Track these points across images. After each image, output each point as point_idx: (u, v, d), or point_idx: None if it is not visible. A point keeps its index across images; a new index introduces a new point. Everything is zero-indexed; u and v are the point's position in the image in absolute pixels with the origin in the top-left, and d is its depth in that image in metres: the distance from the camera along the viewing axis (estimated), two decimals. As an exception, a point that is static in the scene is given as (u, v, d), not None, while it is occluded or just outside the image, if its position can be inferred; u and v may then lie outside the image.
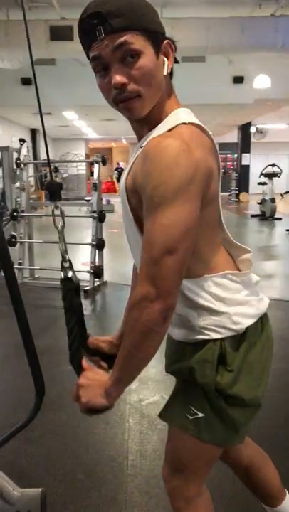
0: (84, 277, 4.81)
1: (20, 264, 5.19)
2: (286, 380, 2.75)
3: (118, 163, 22.64)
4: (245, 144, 16.89)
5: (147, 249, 0.85)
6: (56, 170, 12.58)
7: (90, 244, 4.89)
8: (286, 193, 11.38)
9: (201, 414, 1.02)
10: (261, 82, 9.68)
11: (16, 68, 7.72)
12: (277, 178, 11.73)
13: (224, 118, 14.24)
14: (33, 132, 16.24)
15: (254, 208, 12.67)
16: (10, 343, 3.29)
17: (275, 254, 7.17)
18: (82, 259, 5.31)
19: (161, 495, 1.75)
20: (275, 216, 11.11)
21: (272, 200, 11.11)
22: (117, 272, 5.46)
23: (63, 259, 1.08)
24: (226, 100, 11.01)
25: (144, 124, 0.99)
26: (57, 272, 1.36)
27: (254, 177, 14.19)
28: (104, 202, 5.94)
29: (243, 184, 16.97)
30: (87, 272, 4.82)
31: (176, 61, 0.98)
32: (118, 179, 16.23)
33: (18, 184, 6.62)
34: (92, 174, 5.44)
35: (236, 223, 11.18)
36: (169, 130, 0.91)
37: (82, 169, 18.37)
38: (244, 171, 16.95)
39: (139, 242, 0.94)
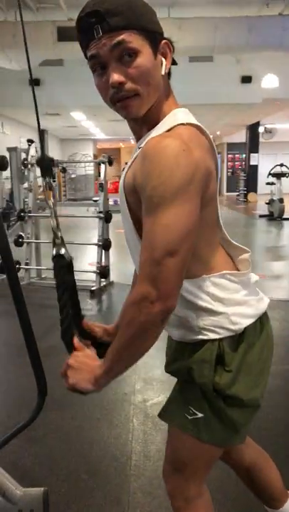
0: (90, 277, 4.83)
1: (27, 264, 5.21)
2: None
3: (126, 164, 22.60)
4: (253, 144, 16.84)
5: (148, 249, 0.84)
6: (64, 170, 12.60)
7: (96, 244, 4.90)
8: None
9: (200, 415, 1.01)
10: (269, 81, 9.66)
11: (24, 69, 7.77)
12: (285, 178, 11.65)
13: (232, 118, 14.21)
14: (42, 133, 16.33)
15: (262, 208, 12.61)
16: (14, 343, 3.30)
17: (284, 255, 7.13)
18: (89, 259, 5.32)
19: (164, 496, 1.74)
20: (284, 216, 11.05)
21: (281, 201, 11.05)
22: (123, 272, 5.46)
23: (55, 236, 1.07)
24: (234, 100, 10.99)
25: (142, 125, 0.99)
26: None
27: (262, 177, 14.12)
28: (111, 202, 5.93)
29: (251, 184, 16.91)
30: (94, 272, 4.83)
31: (174, 62, 0.98)
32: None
33: (26, 185, 6.65)
34: (99, 174, 5.44)
35: (244, 223, 11.14)
36: (168, 130, 0.90)
37: (90, 170, 18.41)
38: (252, 171, 16.89)
39: (138, 246, 0.94)
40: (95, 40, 0.88)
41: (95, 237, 4.98)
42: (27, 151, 7.73)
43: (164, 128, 0.92)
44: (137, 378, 2.79)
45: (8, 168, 10.10)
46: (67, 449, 2.12)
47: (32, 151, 7.62)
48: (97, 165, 14.93)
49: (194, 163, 0.84)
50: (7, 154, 8.99)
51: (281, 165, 11.66)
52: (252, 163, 16.87)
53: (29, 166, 5.39)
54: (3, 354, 3.31)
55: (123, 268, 5.75)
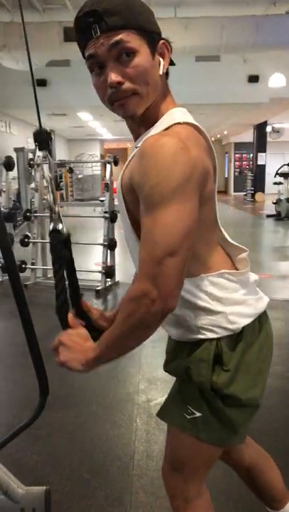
0: (96, 277, 4.84)
1: (33, 264, 5.23)
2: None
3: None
4: (260, 144, 16.77)
5: (147, 249, 0.84)
6: (71, 171, 12.63)
7: (101, 244, 4.91)
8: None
9: (198, 414, 1.01)
10: (276, 80, 9.60)
11: (31, 70, 7.80)
12: (292, 177, 11.59)
13: (239, 117, 14.16)
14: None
15: (270, 208, 12.55)
16: (20, 343, 3.28)
17: (291, 255, 7.10)
18: (95, 259, 5.32)
19: (166, 496, 1.73)
20: (291, 216, 10.98)
21: (288, 200, 10.99)
22: (128, 272, 5.44)
23: (52, 211, 1.07)
24: (241, 99, 10.95)
25: (140, 124, 0.99)
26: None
27: (270, 177, 14.06)
28: (117, 202, 5.91)
29: (258, 184, 16.84)
30: (99, 272, 4.84)
31: (172, 63, 0.98)
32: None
33: (33, 185, 6.67)
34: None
35: (251, 223, 11.09)
36: (165, 129, 0.90)
37: (97, 170, 18.43)
38: (260, 171, 16.82)
39: (137, 246, 0.93)
40: (92, 39, 0.89)
41: (101, 237, 4.99)
42: (34, 152, 7.76)
43: (161, 127, 0.92)
44: (141, 378, 2.79)
45: (16, 169, 10.18)
46: (71, 448, 2.13)
47: (39, 152, 7.64)
48: (104, 165, 14.97)
49: (192, 161, 0.84)
50: (14, 155, 9.03)
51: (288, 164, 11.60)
52: (259, 162, 16.79)
53: (35, 166, 5.41)
54: (10, 354, 3.32)
55: (129, 268, 5.74)
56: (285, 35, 6.97)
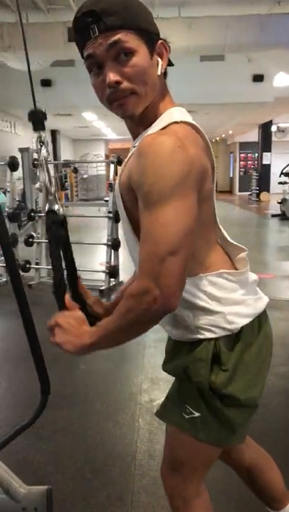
0: (100, 277, 4.84)
1: (37, 263, 5.24)
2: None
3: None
4: (266, 143, 16.71)
5: (147, 248, 0.83)
6: (76, 171, 12.64)
7: (105, 244, 4.91)
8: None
9: (197, 414, 1.01)
10: (281, 80, 9.58)
11: (35, 70, 7.83)
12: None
13: (244, 117, 14.12)
14: (53, 133, 16.41)
15: (275, 208, 12.51)
16: (24, 343, 3.31)
17: (296, 255, 7.06)
18: (99, 259, 5.32)
19: (167, 496, 1.75)
20: (296, 216, 10.94)
21: (293, 200, 10.96)
22: (132, 272, 5.46)
23: (48, 192, 1.07)
24: (245, 99, 10.90)
25: (139, 124, 0.99)
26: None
27: (275, 176, 14.00)
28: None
29: (263, 183, 16.79)
30: (103, 271, 4.84)
31: (170, 63, 0.98)
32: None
33: (38, 185, 6.69)
34: (112, 174, 5.46)
35: (256, 223, 11.06)
36: (163, 128, 0.90)
37: (101, 170, 18.45)
38: (265, 170, 16.77)
39: (136, 245, 0.93)
40: (91, 39, 0.89)
41: (105, 237, 5.00)
42: (39, 151, 7.77)
43: (159, 126, 0.92)
44: (144, 378, 2.80)
45: (20, 169, 10.22)
46: (74, 447, 2.13)
47: (44, 152, 7.66)
48: (108, 165, 14.99)
49: (189, 159, 0.84)
50: (19, 155, 9.05)
51: (293, 164, 11.57)
52: (264, 162, 16.74)
53: (39, 165, 5.42)
54: (15, 354, 3.33)
55: (132, 268, 5.75)
56: (289, 34, 6.95)
